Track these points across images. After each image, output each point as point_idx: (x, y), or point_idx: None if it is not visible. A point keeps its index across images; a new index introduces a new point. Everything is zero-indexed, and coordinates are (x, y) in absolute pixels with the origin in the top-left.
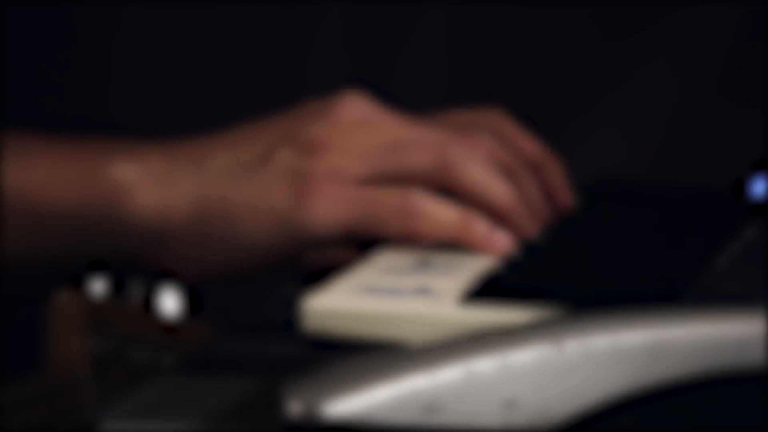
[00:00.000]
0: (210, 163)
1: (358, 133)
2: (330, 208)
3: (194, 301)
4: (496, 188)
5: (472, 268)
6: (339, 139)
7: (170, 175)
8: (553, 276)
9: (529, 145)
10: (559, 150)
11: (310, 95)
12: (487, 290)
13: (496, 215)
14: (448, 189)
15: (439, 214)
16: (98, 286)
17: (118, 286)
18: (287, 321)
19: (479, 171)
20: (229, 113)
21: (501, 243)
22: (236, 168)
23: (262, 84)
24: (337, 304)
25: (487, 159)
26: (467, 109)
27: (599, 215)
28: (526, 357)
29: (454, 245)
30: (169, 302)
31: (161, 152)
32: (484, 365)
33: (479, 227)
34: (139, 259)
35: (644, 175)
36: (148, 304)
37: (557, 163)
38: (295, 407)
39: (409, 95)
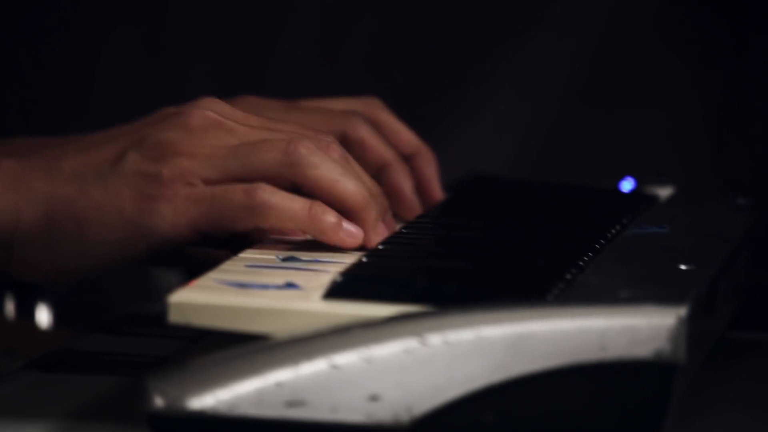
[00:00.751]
0: (61, 167)
1: (207, 137)
2: (176, 209)
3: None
4: (345, 184)
5: (339, 263)
6: (188, 143)
7: (21, 180)
8: (418, 271)
9: (404, 134)
10: (433, 146)
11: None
12: (352, 285)
13: (348, 210)
14: (298, 187)
15: (285, 205)
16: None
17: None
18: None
19: (327, 168)
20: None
21: (350, 234)
22: (86, 172)
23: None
24: (202, 298)
25: (338, 155)
26: (344, 98)
27: (469, 210)
28: (389, 350)
29: (319, 244)
30: (43, 314)
31: (14, 158)
32: (348, 358)
33: (327, 217)
34: None
35: (516, 174)
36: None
37: (430, 155)
38: (158, 401)
39: (285, 84)
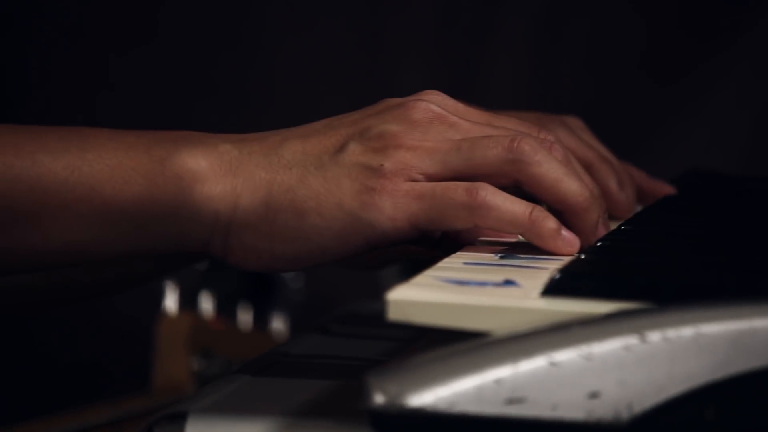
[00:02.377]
0: (281, 154)
1: (430, 131)
2: (396, 203)
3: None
4: (568, 183)
5: (558, 260)
6: (411, 136)
7: (240, 165)
8: (637, 268)
9: (604, 152)
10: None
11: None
12: (570, 282)
13: (569, 211)
14: (519, 185)
15: (506, 207)
16: (207, 307)
17: (227, 308)
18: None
19: (550, 167)
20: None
21: (568, 242)
22: (306, 161)
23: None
24: (421, 295)
25: (561, 155)
26: (547, 114)
27: (688, 206)
28: (608, 348)
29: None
30: (277, 324)
31: (233, 143)
32: (567, 356)
33: (547, 223)
34: (208, 250)
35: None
36: (256, 327)
37: (633, 169)
38: (378, 398)
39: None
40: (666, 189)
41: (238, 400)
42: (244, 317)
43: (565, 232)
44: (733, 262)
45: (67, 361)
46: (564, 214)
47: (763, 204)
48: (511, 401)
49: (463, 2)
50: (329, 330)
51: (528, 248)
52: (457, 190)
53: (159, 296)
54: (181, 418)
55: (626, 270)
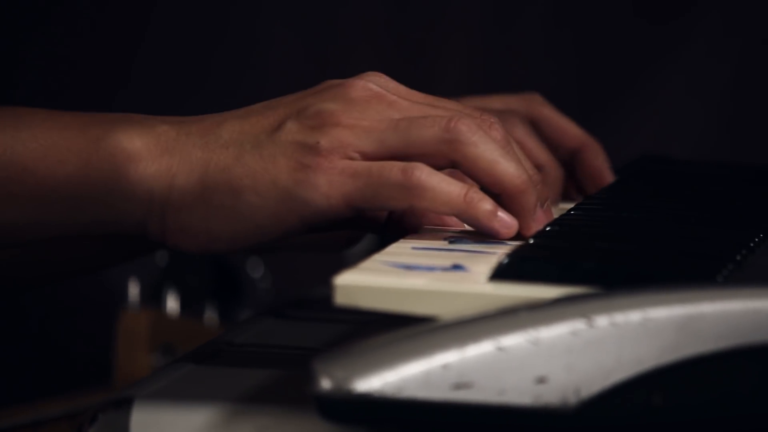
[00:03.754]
0: (219, 134)
1: (368, 109)
2: (331, 181)
3: None
4: (505, 165)
5: (506, 245)
6: (348, 114)
7: (177, 146)
8: (585, 253)
9: (569, 128)
10: (600, 133)
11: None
12: (519, 267)
13: (505, 193)
14: (456, 165)
15: (442, 188)
16: (170, 303)
17: (188, 303)
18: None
19: (487, 147)
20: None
21: (505, 224)
22: (243, 140)
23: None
24: (368, 280)
25: (501, 135)
26: (504, 95)
27: (636, 191)
28: (556, 332)
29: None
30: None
31: (171, 124)
32: (514, 340)
33: (483, 205)
34: (144, 231)
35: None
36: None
37: (597, 146)
38: (325, 383)
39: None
40: (598, 162)
41: (185, 387)
42: (211, 314)
43: (502, 214)
44: (682, 246)
45: (29, 355)
46: (501, 197)
47: (713, 189)
48: (459, 386)
49: None
50: (284, 314)
51: (478, 234)
52: (393, 169)
53: (122, 292)
54: (127, 404)
55: (575, 254)
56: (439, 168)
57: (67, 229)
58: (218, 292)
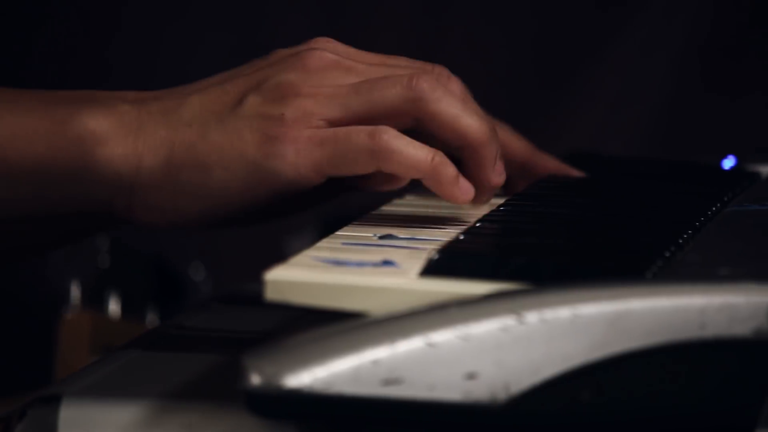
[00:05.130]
0: (180, 113)
1: (327, 77)
2: (298, 150)
3: None
4: (468, 119)
5: (436, 241)
6: (308, 84)
7: (141, 126)
8: (515, 249)
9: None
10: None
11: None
12: (448, 262)
13: (469, 147)
14: (419, 122)
15: (408, 151)
16: (112, 306)
17: (130, 306)
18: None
19: (450, 102)
20: None
21: (465, 190)
22: (206, 116)
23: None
24: (298, 275)
25: (459, 89)
26: (413, 60)
27: (566, 187)
28: (486, 328)
29: (416, 222)
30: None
31: (131, 103)
32: (444, 336)
33: (447, 170)
34: (111, 210)
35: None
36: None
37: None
38: (255, 379)
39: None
40: (551, 164)
41: (116, 381)
42: (153, 317)
43: (463, 181)
44: (612, 242)
45: None
46: (464, 150)
47: (643, 185)
48: (388, 382)
49: None
50: (214, 308)
51: (408, 229)
52: (360, 134)
53: (64, 294)
54: (55, 401)
55: (505, 250)
56: (402, 127)
57: (34, 209)
58: (160, 295)
